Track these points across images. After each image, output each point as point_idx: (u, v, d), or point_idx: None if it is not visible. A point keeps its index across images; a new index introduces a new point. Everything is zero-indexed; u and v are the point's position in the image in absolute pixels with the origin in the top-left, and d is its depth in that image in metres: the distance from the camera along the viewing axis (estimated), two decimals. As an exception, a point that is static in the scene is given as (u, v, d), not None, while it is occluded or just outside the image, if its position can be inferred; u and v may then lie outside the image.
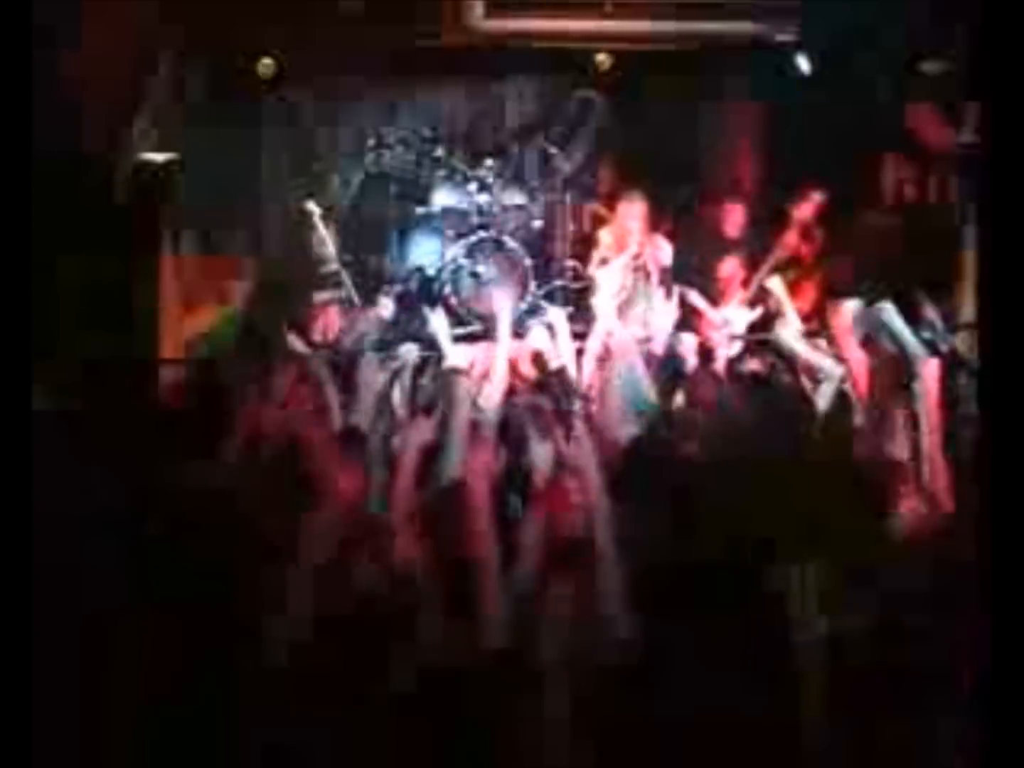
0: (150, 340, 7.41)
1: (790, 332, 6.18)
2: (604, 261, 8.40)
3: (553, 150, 9.89)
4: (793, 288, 7.85)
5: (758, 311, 7.74)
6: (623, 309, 7.86)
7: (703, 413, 5.19)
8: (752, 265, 8.26)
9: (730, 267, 8.27)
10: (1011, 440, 3.08)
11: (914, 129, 8.29)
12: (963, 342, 6.65)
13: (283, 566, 3.45)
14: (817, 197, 8.13)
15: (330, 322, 8.43)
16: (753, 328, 7.76)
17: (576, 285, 9.09)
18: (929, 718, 3.18)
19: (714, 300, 8.09)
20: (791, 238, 8.19)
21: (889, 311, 5.94)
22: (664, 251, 8.34)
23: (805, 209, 8.14)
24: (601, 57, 9.10)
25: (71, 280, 6.48)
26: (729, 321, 7.10)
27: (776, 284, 6.77)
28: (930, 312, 6.21)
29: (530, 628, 3.37)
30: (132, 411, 6.00)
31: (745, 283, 8.12)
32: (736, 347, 6.72)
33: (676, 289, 7.67)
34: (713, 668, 3.20)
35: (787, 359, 6.11)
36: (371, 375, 5.58)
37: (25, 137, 3.39)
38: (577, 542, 3.62)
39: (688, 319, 7.49)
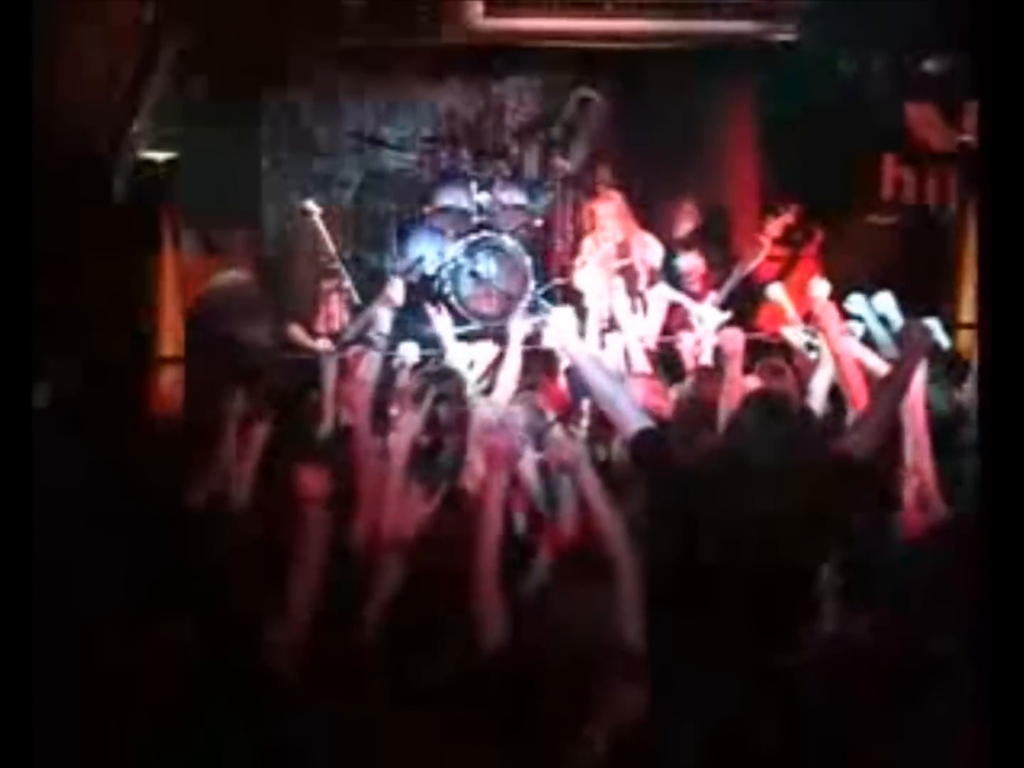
0: (150, 340, 7.41)
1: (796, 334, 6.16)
2: (584, 265, 8.43)
3: (553, 150, 9.89)
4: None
5: (728, 314, 7.75)
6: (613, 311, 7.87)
7: (704, 411, 5.17)
8: (730, 266, 8.28)
9: (701, 269, 8.29)
10: (1011, 440, 3.08)
11: (914, 129, 8.29)
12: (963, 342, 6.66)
13: (285, 569, 3.44)
14: (786, 218, 8.15)
15: (334, 317, 8.45)
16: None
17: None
18: (933, 717, 3.18)
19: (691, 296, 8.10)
20: (765, 253, 8.20)
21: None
22: (653, 251, 8.34)
23: (776, 228, 8.17)
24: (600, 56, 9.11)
25: (71, 280, 6.48)
26: (702, 319, 7.11)
27: (778, 291, 6.76)
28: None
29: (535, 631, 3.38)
30: (131, 411, 6.00)
31: (718, 285, 8.14)
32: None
33: (665, 288, 7.66)
34: (717, 669, 3.21)
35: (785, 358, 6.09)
36: (371, 374, 5.57)
37: (25, 137, 3.39)
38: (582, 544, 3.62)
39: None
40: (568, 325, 4.74)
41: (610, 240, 8.28)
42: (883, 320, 5.95)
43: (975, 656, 3.10)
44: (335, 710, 3.16)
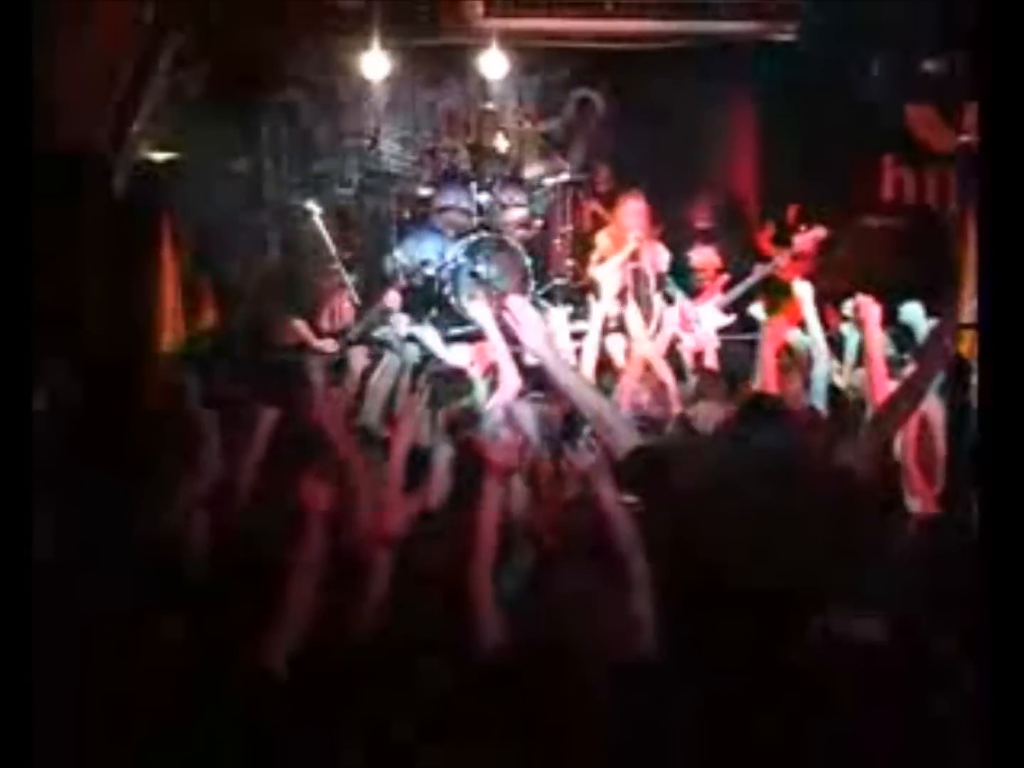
0: (150, 340, 7.42)
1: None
2: (602, 261, 8.41)
3: (553, 150, 9.89)
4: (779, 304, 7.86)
5: (731, 318, 7.76)
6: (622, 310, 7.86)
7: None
8: (737, 269, 8.28)
9: (714, 265, 8.30)
10: (1011, 441, 3.09)
11: (914, 130, 8.29)
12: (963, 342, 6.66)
13: (290, 569, 3.44)
14: (818, 234, 8.12)
15: (335, 316, 8.45)
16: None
17: (576, 285, 9.10)
18: (934, 717, 3.18)
19: (692, 295, 8.10)
20: (785, 264, 8.19)
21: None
22: (662, 256, 8.34)
23: (805, 243, 8.14)
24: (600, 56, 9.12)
25: (71, 280, 6.48)
26: (699, 320, 7.13)
27: (758, 311, 6.77)
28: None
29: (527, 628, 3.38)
30: (131, 411, 6.00)
31: (726, 287, 8.14)
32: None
33: (675, 290, 7.69)
34: (721, 672, 3.21)
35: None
36: (388, 379, 5.57)
37: (25, 136, 3.39)
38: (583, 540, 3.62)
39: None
40: (541, 333, 4.08)
41: (633, 241, 8.25)
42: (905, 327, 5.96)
43: (975, 656, 3.10)
44: (333, 712, 3.16)
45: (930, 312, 5.89)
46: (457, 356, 6.26)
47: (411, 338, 6.18)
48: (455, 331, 7.79)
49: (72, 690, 3.23)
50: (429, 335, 6.40)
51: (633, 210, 8.35)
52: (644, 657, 3.27)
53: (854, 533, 3.76)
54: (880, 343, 5.26)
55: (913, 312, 5.94)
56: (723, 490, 3.70)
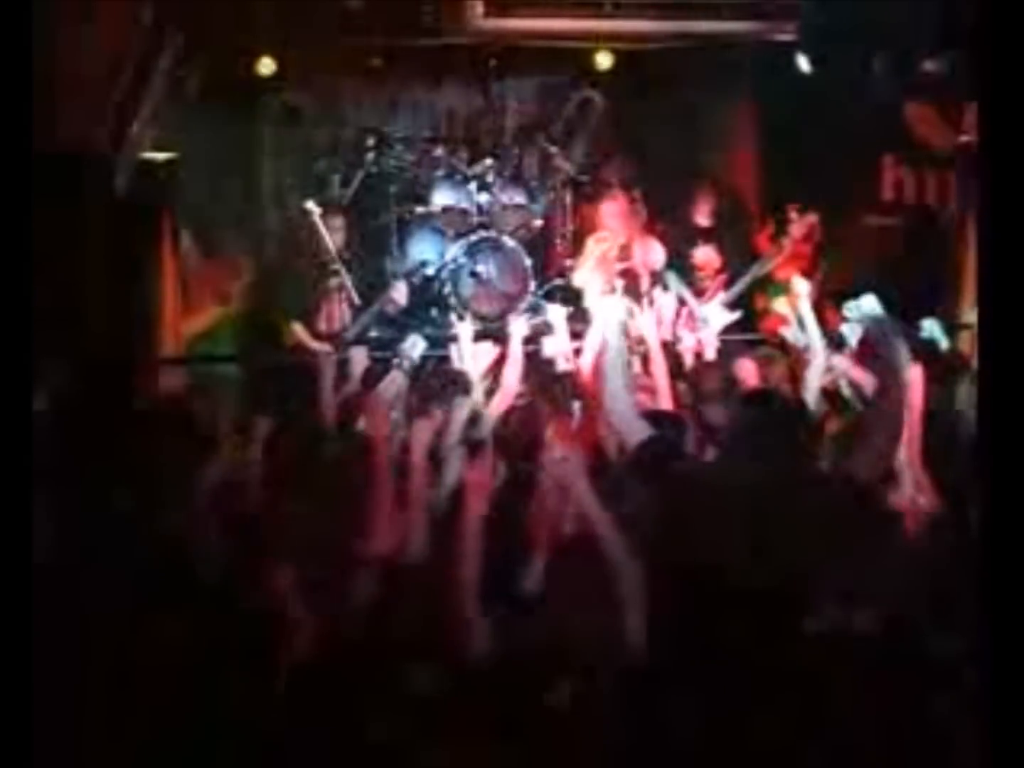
0: (150, 340, 7.42)
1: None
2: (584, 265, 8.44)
3: (553, 150, 9.88)
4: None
5: (737, 314, 7.75)
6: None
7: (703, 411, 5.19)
8: (737, 266, 8.28)
9: (714, 264, 8.31)
10: (1011, 440, 3.09)
11: (914, 129, 8.29)
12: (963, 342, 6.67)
13: (290, 568, 3.44)
14: (812, 219, 8.13)
15: (334, 317, 8.45)
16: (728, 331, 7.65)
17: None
18: (933, 717, 3.18)
19: (696, 294, 8.11)
20: (785, 255, 8.18)
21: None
22: (656, 253, 8.34)
23: (800, 229, 8.14)
24: (600, 56, 9.12)
25: (71, 280, 6.48)
26: (707, 320, 7.11)
27: (782, 304, 6.77)
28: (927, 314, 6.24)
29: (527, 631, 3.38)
30: (132, 411, 6.00)
31: (727, 284, 8.15)
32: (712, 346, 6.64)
33: (673, 287, 7.68)
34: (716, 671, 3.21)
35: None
36: (391, 392, 5.55)
37: (25, 136, 3.39)
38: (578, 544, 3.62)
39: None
40: (613, 317, 4.84)
41: (610, 241, 8.25)
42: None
43: (975, 656, 3.10)
44: (333, 711, 3.16)
45: (927, 313, 5.90)
46: (463, 358, 6.22)
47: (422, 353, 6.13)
48: (455, 331, 7.77)
49: (72, 690, 3.23)
50: (463, 331, 6.31)
51: (611, 211, 8.36)
52: (636, 655, 3.27)
53: (854, 530, 3.77)
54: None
55: (870, 305, 5.96)
56: (724, 480, 3.78)
